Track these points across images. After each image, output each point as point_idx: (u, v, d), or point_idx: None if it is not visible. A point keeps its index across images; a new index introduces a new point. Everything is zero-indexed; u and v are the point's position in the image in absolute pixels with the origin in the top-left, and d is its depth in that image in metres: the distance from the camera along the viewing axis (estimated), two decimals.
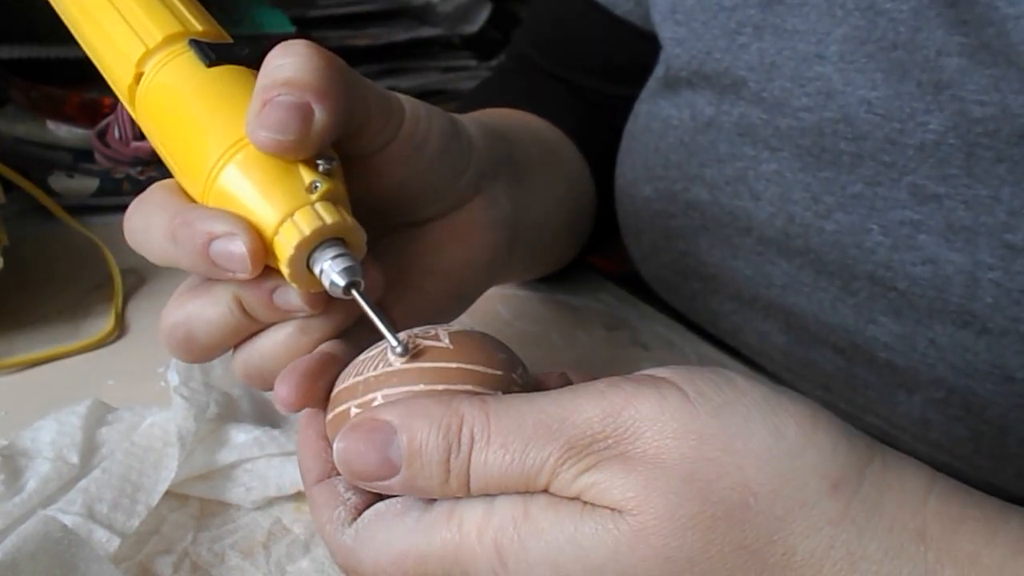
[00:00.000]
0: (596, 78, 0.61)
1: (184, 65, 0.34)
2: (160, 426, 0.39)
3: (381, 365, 0.29)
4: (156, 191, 0.34)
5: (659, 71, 0.54)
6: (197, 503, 0.38)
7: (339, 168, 0.32)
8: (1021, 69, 0.38)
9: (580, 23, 0.61)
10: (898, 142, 0.42)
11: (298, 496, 0.39)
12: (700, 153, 0.50)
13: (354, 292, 0.30)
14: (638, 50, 0.57)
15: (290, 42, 0.32)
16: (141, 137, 0.70)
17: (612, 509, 0.26)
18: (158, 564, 0.36)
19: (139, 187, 0.68)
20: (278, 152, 0.30)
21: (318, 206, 0.30)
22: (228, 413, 0.42)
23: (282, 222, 0.30)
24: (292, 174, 0.31)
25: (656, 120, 0.53)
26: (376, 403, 0.28)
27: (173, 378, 0.42)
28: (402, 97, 0.37)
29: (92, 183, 0.67)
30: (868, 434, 0.49)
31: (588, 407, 0.26)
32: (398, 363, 0.29)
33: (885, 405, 0.46)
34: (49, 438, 0.39)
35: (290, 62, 0.31)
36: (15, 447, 0.38)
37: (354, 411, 0.29)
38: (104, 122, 0.71)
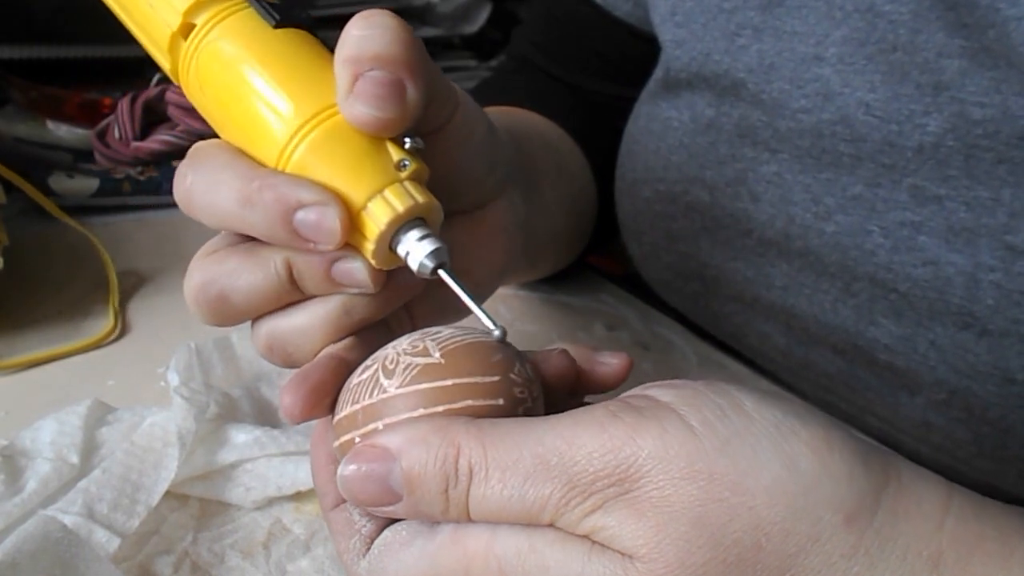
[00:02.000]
0: (596, 79, 0.61)
1: (246, 22, 0.32)
2: (160, 426, 0.39)
3: (376, 392, 0.29)
4: (217, 151, 0.31)
5: (658, 73, 0.54)
6: (197, 503, 0.38)
7: (423, 148, 0.31)
8: (1022, 71, 0.38)
9: (579, 24, 0.61)
10: (897, 144, 0.42)
11: (298, 496, 0.39)
12: (700, 155, 0.50)
13: (442, 272, 0.30)
14: (637, 51, 0.57)
15: (373, 12, 0.31)
16: (141, 137, 0.70)
17: (623, 554, 0.25)
18: (158, 564, 0.35)
19: (139, 187, 0.68)
20: (375, 129, 0.29)
21: (408, 184, 0.30)
22: (228, 413, 0.42)
23: (371, 198, 0.29)
24: (382, 150, 0.30)
25: (656, 122, 0.53)
26: (378, 431, 0.28)
27: (173, 378, 0.42)
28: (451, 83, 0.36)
29: (92, 183, 0.67)
30: (870, 436, 0.49)
31: (588, 441, 0.26)
32: (392, 388, 0.28)
33: (886, 407, 0.46)
34: (49, 438, 0.39)
35: (376, 35, 0.30)
36: (15, 447, 0.38)
37: (358, 441, 0.28)
38: (104, 122, 0.71)
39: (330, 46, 0.32)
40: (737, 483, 0.25)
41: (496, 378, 0.28)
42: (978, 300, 0.40)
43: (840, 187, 0.44)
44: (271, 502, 0.39)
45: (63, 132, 0.72)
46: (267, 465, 0.39)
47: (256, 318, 0.33)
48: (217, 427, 0.40)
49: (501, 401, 0.28)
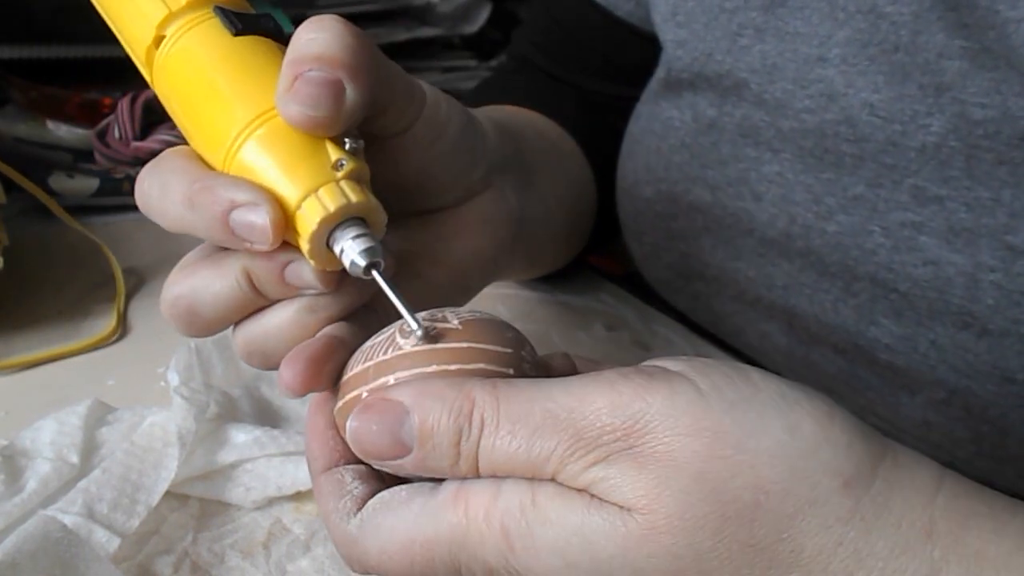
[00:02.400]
0: (597, 79, 0.61)
1: (209, 31, 0.33)
2: (160, 426, 0.39)
3: (391, 349, 0.29)
4: (172, 156, 0.33)
5: (660, 73, 0.54)
6: (197, 503, 0.38)
7: (362, 148, 0.32)
8: (1022, 72, 0.38)
9: (580, 24, 0.61)
10: (899, 144, 0.42)
11: (298, 496, 0.39)
12: (702, 155, 0.50)
13: (374, 273, 0.30)
14: (639, 51, 0.57)
15: (321, 16, 0.31)
16: (141, 137, 0.70)
17: (621, 506, 0.26)
18: (158, 564, 0.35)
19: None
20: (309, 128, 0.30)
21: (343, 184, 0.30)
22: (228, 413, 0.42)
23: (305, 197, 0.30)
24: (319, 150, 0.30)
25: (657, 122, 0.53)
26: (389, 386, 0.28)
27: (173, 378, 0.42)
28: (423, 83, 0.36)
29: (92, 183, 0.67)
30: None
31: (598, 398, 0.26)
32: (408, 346, 0.29)
33: (887, 406, 0.46)
34: (49, 438, 0.39)
35: (322, 37, 0.31)
36: (15, 447, 0.38)
37: (366, 396, 0.29)
38: (104, 122, 0.71)
39: None
40: (740, 442, 0.25)
41: (509, 350, 0.29)
42: (978, 300, 0.40)
43: (841, 187, 0.44)
44: (271, 502, 0.39)
45: (63, 132, 0.72)
46: (267, 465, 0.39)
47: (234, 325, 0.33)
48: (217, 427, 0.40)
49: (512, 372, 0.28)
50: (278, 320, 0.33)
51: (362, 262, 0.30)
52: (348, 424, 0.28)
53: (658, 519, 0.25)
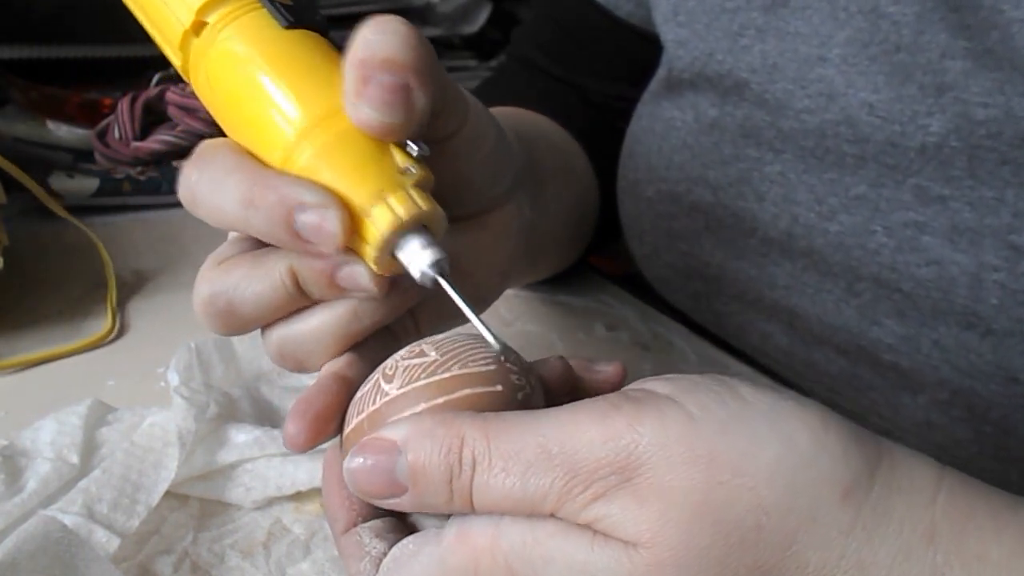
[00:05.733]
0: (598, 79, 0.61)
1: (258, 22, 0.32)
2: (160, 426, 0.39)
3: (379, 397, 0.29)
4: (222, 151, 0.31)
5: (661, 72, 0.54)
6: (197, 503, 0.38)
7: (427, 155, 0.31)
8: None
9: (581, 25, 0.61)
10: (900, 144, 0.42)
11: (298, 496, 0.39)
12: (703, 154, 0.50)
13: (444, 284, 0.29)
14: (640, 52, 0.57)
15: (384, 17, 0.31)
16: (141, 137, 0.70)
17: (625, 542, 0.25)
18: (158, 564, 0.35)
19: (139, 187, 0.68)
20: (380, 132, 0.29)
21: (412, 191, 0.29)
22: (228, 413, 0.42)
23: (374, 203, 0.29)
24: (387, 155, 0.30)
25: (659, 122, 0.53)
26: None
27: (173, 378, 0.42)
28: (463, 90, 0.36)
29: (92, 183, 0.67)
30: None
31: (589, 431, 0.26)
32: (394, 390, 0.29)
33: (889, 407, 0.46)
34: (49, 438, 0.39)
35: (387, 40, 0.30)
36: (15, 447, 0.38)
37: None
38: (104, 122, 0.71)
39: (340, 46, 0.32)
40: (738, 465, 0.25)
41: (492, 367, 0.29)
42: (982, 300, 0.40)
43: (844, 187, 0.44)
44: (271, 502, 0.39)
45: (63, 132, 0.72)
46: (267, 465, 0.39)
47: (266, 326, 0.33)
48: (217, 427, 0.40)
49: (499, 387, 0.28)
50: (319, 324, 0.32)
51: (431, 273, 0.29)
52: (345, 466, 0.28)
53: (663, 553, 0.25)
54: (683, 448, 0.25)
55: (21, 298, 0.54)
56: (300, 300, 0.32)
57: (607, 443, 0.26)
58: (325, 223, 0.28)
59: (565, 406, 0.27)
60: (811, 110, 0.45)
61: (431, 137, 0.33)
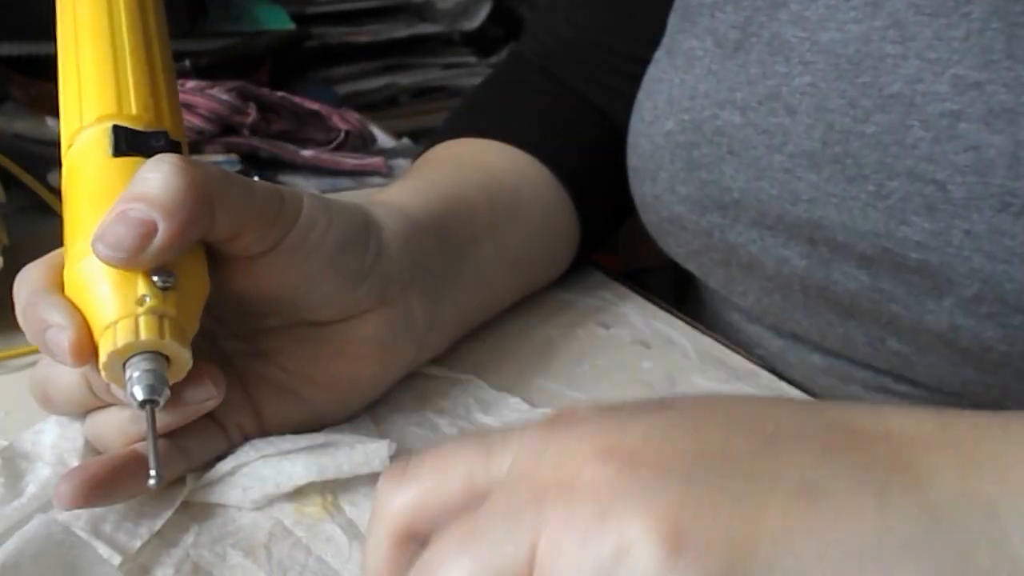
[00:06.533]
0: (629, 41, 0.60)
1: (95, 148, 0.36)
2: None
3: None
4: (31, 266, 0.36)
5: (676, 5, 0.54)
6: (197, 504, 0.38)
7: (191, 277, 0.34)
8: None
9: None
10: (945, 37, 0.42)
11: (298, 495, 0.39)
12: (729, 78, 0.50)
13: (145, 409, 0.32)
14: (662, 11, 0.57)
15: (164, 156, 0.34)
16: None
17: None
18: (159, 565, 0.35)
19: None
20: (112, 264, 0.33)
21: (142, 320, 0.32)
22: None
23: (108, 326, 0.32)
24: (130, 283, 0.33)
25: (679, 56, 0.53)
26: None
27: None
28: (306, 201, 0.38)
29: None
30: (889, 365, 0.50)
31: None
32: None
33: (910, 319, 0.46)
34: (51, 441, 0.39)
35: (153, 176, 0.33)
36: (15, 449, 0.38)
37: None
38: None
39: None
40: None
41: None
42: (1020, 177, 0.40)
43: (877, 88, 0.44)
44: (271, 503, 0.39)
45: None
46: (263, 464, 0.39)
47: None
48: None
49: None
50: (109, 423, 0.37)
51: (138, 397, 0.32)
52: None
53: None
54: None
55: None
56: (96, 400, 0.36)
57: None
58: (61, 342, 0.33)
59: None
60: (858, 20, 0.45)
61: (243, 252, 0.36)
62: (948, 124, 0.42)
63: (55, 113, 0.74)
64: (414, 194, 0.49)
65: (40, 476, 0.37)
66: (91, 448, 0.39)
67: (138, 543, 0.35)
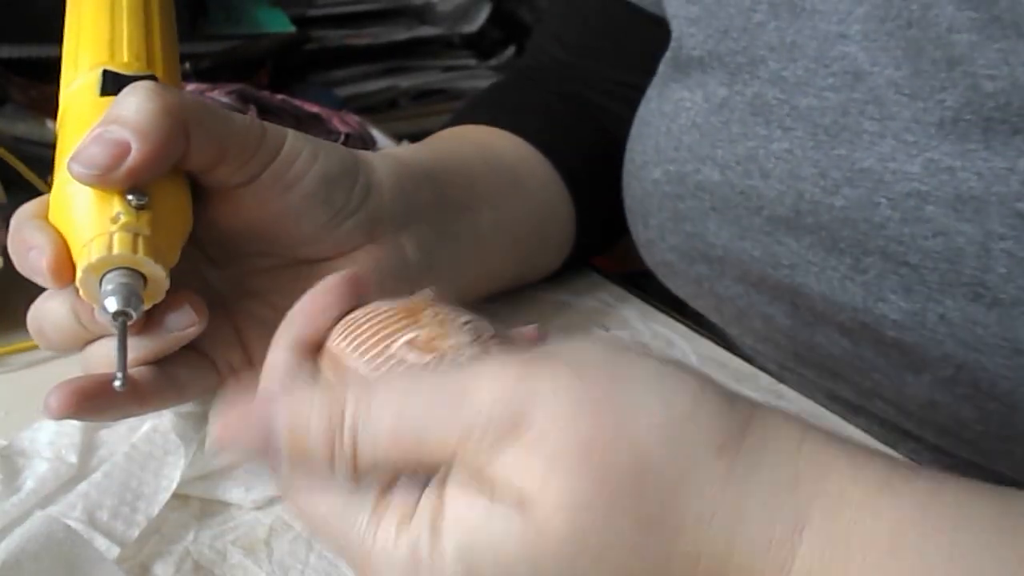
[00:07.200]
0: (621, 69, 0.61)
1: (86, 90, 0.37)
2: (161, 432, 0.39)
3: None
4: (35, 200, 0.37)
5: (669, 55, 0.54)
6: (198, 502, 0.38)
7: (169, 201, 0.35)
8: None
9: (599, 15, 0.61)
10: (922, 121, 0.42)
11: None
12: (712, 133, 0.50)
13: (117, 322, 0.33)
14: (653, 39, 0.57)
15: (140, 83, 0.35)
16: None
17: (518, 501, 0.26)
18: (159, 564, 0.36)
19: None
20: (88, 183, 0.34)
21: (116, 236, 0.33)
22: None
23: (85, 245, 0.33)
24: (106, 203, 0.34)
25: (668, 103, 0.53)
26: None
27: None
28: (290, 136, 0.38)
29: None
30: (875, 419, 0.48)
31: (480, 388, 0.27)
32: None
33: (892, 388, 0.46)
34: (48, 438, 0.39)
35: (129, 100, 0.34)
36: (13, 448, 0.39)
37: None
38: None
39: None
40: (620, 418, 0.26)
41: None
42: (990, 269, 0.40)
43: (850, 162, 0.44)
44: (272, 500, 0.39)
45: None
46: (266, 463, 0.39)
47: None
48: None
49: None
50: (98, 353, 0.37)
51: (110, 308, 0.32)
52: (212, 425, 0.30)
53: (548, 508, 0.26)
54: (569, 401, 0.26)
55: (21, 298, 0.54)
56: (88, 332, 0.36)
57: (497, 400, 0.26)
58: (38, 262, 0.34)
59: (457, 367, 0.28)
60: (835, 88, 0.45)
61: (223, 182, 0.37)
62: (915, 205, 0.42)
63: (55, 116, 0.74)
64: (411, 151, 0.50)
65: (37, 472, 0.37)
66: (88, 445, 0.39)
67: (136, 532, 0.35)
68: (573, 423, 0.26)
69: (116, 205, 0.33)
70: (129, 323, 0.33)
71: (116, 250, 0.33)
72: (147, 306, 0.34)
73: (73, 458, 0.38)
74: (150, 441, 0.38)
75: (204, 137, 0.35)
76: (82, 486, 0.37)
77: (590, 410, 0.26)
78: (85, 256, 0.33)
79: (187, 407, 0.39)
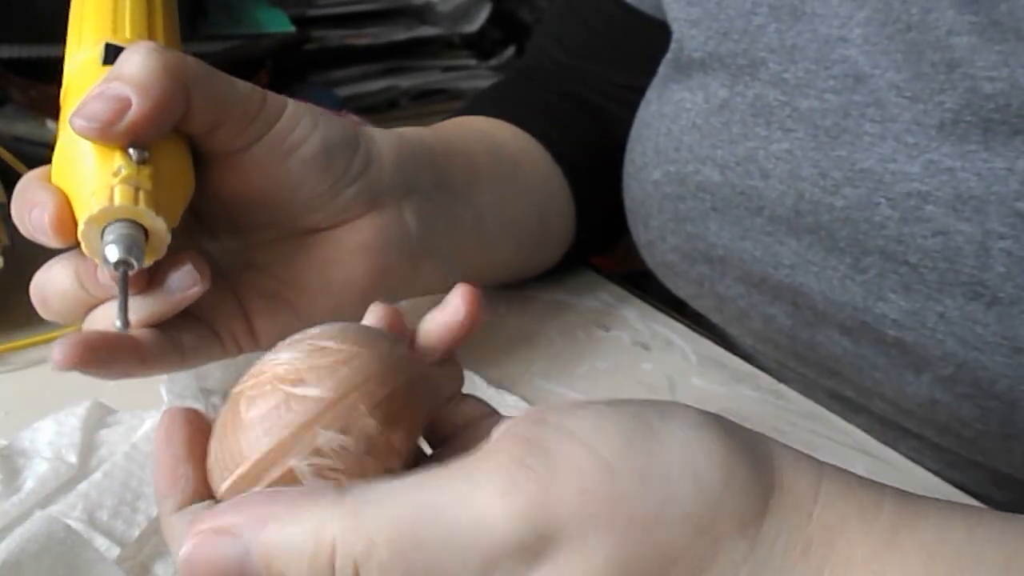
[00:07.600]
0: (620, 71, 0.61)
1: (89, 63, 0.38)
2: None
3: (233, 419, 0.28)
4: (38, 168, 0.37)
5: (669, 56, 0.54)
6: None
7: (170, 160, 0.35)
8: None
9: (599, 17, 0.61)
10: (923, 123, 0.42)
11: None
12: (713, 134, 0.50)
13: (118, 271, 0.32)
14: (652, 40, 0.57)
15: (144, 42, 0.36)
16: None
17: None
18: (159, 564, 0.36)
19: None
20: (89, 137, 0.33)
21: (117, 188, 0.33)
22: None
23: (83, 199, 0.33)
24: (107, 158, 0.34)
25: (668, 104, 0.53)
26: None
27: (163, 389, 0.42)
28: (291, 104, 0.38)
29: None
30: (875, 418, 0.48)
31: (495, 505, 0.24)
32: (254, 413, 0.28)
33: (892, 387, 0.46)
34: (47, 438, 0.39)
35: (131, 58, 0.35)
36: (13, 448, 0.39)
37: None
38: None
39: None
40: (653, 521, 0.25)
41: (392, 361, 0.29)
42: (989, 268, 0.40)
43: (851, 162, 0.44)
44: None
45: None
46: None
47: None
48: None
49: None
50: (108, 317, 0.36)
51: (111, 258, 0.32)
52: (182, 552, 0.26)
53: None
54: (604, 513, 0.25)
55: (21, 298, 0.54)
56: (91, 297, 0.36)
57: (516, 515, 0.24)
58: (40, 219, 0.33)
59: (457, 466, 0.25)
60: (836, 90, 0.45)
61: (222, 147, 0.37)
62: (915, 205, 0.42)
63: (55, 115, 0.74)
64: (414, 130, 0.49)
65: (37, 471, 0.37)
66: (88, 445, 0.39)
67: (136, 532, 0.35)
68: (606, 537, 0.24)
69: (117, 159, 0.34)
70: (131, 273, 0.33)
71: (117, 201, 0.33)
72: (149, 262, 0.34)
73: (73, 458, 0.38)
74: (150, 441, 0.38)
75: (205, 98, 0.36)
76: (82, 486, 0.36)
77: (624, 519, 0.25)
78: (87, 209, 0.33)
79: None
